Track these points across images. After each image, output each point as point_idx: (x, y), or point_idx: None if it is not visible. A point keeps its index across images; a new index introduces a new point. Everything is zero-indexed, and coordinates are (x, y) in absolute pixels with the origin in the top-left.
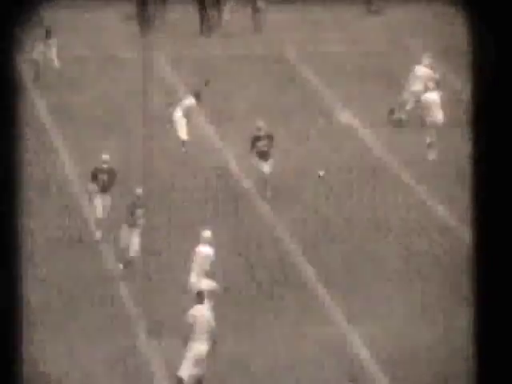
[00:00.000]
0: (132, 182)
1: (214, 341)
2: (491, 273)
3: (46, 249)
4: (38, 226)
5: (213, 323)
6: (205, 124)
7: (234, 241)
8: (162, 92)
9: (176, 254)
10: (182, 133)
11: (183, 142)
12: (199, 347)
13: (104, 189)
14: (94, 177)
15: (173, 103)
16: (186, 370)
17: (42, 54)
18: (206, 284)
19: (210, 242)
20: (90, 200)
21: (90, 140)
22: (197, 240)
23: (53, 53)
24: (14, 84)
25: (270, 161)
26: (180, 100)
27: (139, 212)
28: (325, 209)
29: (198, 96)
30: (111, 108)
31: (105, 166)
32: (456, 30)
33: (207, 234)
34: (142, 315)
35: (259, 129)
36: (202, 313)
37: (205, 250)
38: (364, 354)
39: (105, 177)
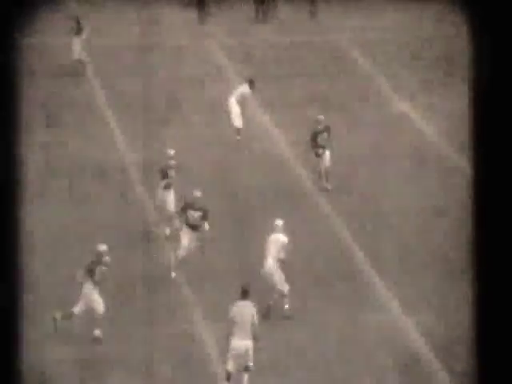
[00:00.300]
0: (189, 172)
1: (256, 338)
2: None
3: (104, 236)
4: (96, 213)
5: (256, 321)
6: (259, 112)
7: (290, 230)
8: (217, 80)
9: (235, 242)
10: (237, 121)
11: (238, 130)
12: (240, 343)
13: (168, 185)
14: (165, 174)
15: (228, 91)
16: (231, 365)
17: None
18: (271, 264)
19: (283, 231)
20: (159, 195)
21: (146, 128)
22: (254, 228)
23: (77, 46)
24: (13, 83)
25: (327, 153)
26: (235, 88)
27: (197, 214)
28: (380, 197)
29: (252, 83)
30: (168, 96)
31: (172, 162)
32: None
33: (280, 222)
34: (198, 301)
35: (319, 122)
36: (246, 309)
37: (282, 238)
38: (418, 342)
39: (172, 172)
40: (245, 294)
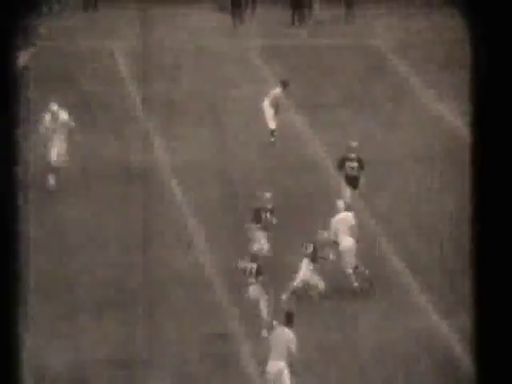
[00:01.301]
0: (223, 173)
1: (292, 363)
2: None
3: (139, 236)
4: (129, 213)
5: (294, 348)
6: (294, 113)
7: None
8: (252, 82)
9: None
10: (271, 122)
11: (272, 132)
12: (274, 364)
13: (265, 228)
14: (259, 217)
15: (263, 93)
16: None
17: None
18: (348, 241)
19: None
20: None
21: (182, 130)
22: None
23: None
24: (13, 84)
25: (359, 187)
26: (269, 90)
27: (268, 215)
28: (415, 200)
29: (285, 85)
30: (204, 98)
31: (269, 205)
32: None
33: (341, 203)
34: (232, 299)
35: (351, 149)
36: (286, 336)
37: (347, 215)
38: (457, 347)
39: (267, 215)
40: (289, 321)
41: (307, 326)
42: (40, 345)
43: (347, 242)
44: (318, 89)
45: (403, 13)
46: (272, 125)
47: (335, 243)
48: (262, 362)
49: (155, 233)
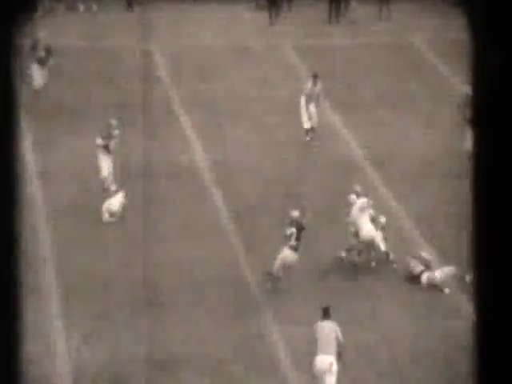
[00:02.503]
0: (258, 172)
1: (340, 354)
2: None
3: (174, 233)
4: (167, 213)
5: (341, 339)
6: (330, 112)
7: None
8: (288, 80)
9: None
10: (306, 121)
11: (307, 131)
12: (323, 358)
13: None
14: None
15: (299, 92)
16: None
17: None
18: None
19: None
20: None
21: (218, 129)
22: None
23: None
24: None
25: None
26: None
27: (293, 231)
28: (448, 196)
29: (315, 77)
30: (239, 97)
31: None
32: None
33: (358, 187)
34: (269, 302)
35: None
36: (328, 327)
37: (363, 200)
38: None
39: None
40: (326, 314)
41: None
42: (78, 344)
43: (368, 229)
44: (355, 87)
45: (441, 9)
46: (307, 124)
47: (356, 235)
48: (299, 361)
49: (194, 232)
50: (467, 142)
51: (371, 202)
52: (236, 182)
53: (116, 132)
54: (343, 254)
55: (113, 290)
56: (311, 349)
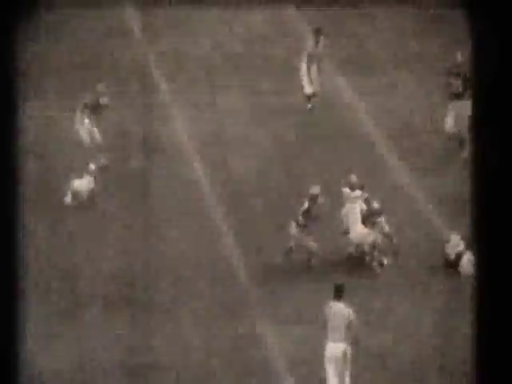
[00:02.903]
0: (253, 145)
1: (356, 341)
2: None
3: (155, 221)
4: (149, 197)
5: (354, 322)
6: (335, 75)
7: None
8: (286, 36)
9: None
10: (307, 86)
11: (309, 97)
12: (335, 346)
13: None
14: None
15: (298, 50)
16: (330, 372)
17: None
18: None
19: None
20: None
21: (205, 96)
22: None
23: None
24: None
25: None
26: (303, 45)
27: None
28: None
29: (318, 34)
30: (227, 56)
31: (320, 200)
32: None
33: (354, 177)
34: (263, 299)
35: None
36: (341, 310)
37: (355, 194)
38: None
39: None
40: (339, 294)
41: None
42: (39, 347)
43: (358, 231)
44: (365, 46)
45: None
46: (309, 89)
47: (345, 233)
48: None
49: (174, 215)
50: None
51: (366, 195)
52: (226, 158)
53: (105, 100)
54: (351, 249)
55: (81, 286)
56: (312, 353)
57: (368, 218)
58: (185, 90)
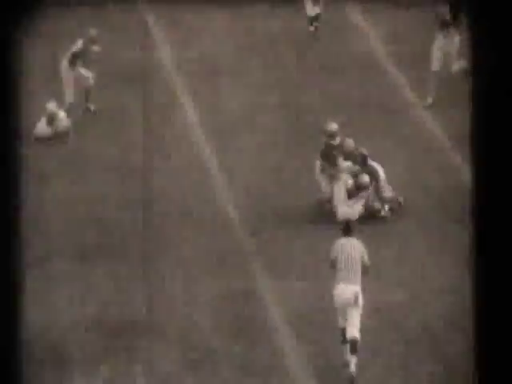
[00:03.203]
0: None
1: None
2: None
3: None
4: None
5: (367, 260)
6: None
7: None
8: None
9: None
10: (309, 7)
11: (311, 19)
12: (347, 288)
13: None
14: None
15: None
16: (342, 320)
17: None
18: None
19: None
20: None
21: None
22: None
23: None
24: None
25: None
26: None
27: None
28: None
29: None
30: None
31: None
32: None
33: (334, 126)
34: (259, 250)
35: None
36: (351, 247)
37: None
38: None
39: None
40: (347, 230)
41: None
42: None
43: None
44: None
45: None
46: (311, 10)
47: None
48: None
49: (156, 151)
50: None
51: (357, 168)
52: (213, 89)
53: (95, 48)
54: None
55: (48, 232)
56: (315, 309)
57: (354, 193)
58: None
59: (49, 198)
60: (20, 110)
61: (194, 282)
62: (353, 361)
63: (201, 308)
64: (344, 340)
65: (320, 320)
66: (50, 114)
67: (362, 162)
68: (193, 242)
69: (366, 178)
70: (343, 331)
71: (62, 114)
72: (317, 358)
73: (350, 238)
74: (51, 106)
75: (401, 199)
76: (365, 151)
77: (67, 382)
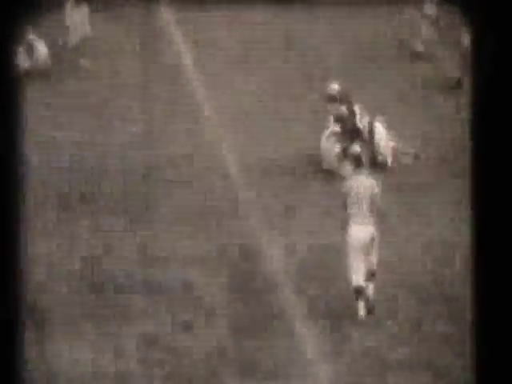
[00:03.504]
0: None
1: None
2: None
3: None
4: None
5: (378, 198)
6: None
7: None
8: None
9: None
10: None
11: None
12: (360, 230)
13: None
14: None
15: None
16: (355, 264)
17: None
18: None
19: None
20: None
21: None
22: None
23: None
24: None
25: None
26: None
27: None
28: None
29: None
30: None
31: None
32: None
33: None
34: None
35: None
36: (363, 182)
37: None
38: None
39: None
40: (358, 161)
41: None
42: None
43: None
44: None
45: None
46: None
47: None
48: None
49: (148, 92)
50: None
51: (370, 123)
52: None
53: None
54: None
55: (33, 180)
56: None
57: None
58: None
59: (29, 143)
60: (20, 109)
61: (189, 236)
62: (361, 306)
63: (196, 265)
64: (358, 291)
65: (322, 275)
66: (27, 44)
67: (350, 113)
68: (188, 192)
69: (356, 148)
70: (359, 291)
71: (42, 47)
72: (319, 312)
73: (359, 175)
74: (30, 36)
75: (417, 152)
76: (357, 109)
77: (48, 343)
